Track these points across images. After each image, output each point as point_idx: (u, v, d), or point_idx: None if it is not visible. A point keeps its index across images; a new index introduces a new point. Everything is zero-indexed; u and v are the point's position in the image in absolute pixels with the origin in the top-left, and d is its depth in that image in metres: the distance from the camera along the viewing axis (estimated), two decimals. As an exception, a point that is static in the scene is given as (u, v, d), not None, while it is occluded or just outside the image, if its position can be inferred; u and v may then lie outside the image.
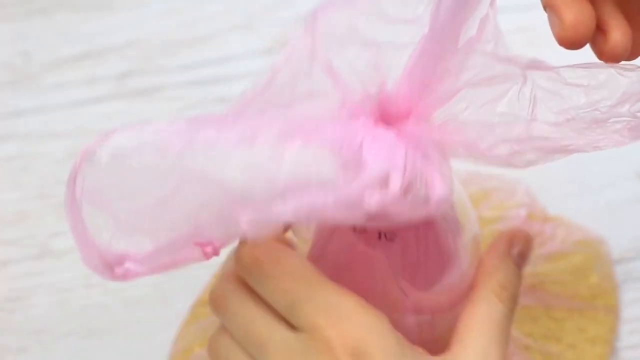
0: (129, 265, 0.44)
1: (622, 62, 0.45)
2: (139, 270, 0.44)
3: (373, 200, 0.42)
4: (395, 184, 0.42)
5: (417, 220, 0.46)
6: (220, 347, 0.50)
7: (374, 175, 0.42)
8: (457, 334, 0.49)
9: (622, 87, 0.44)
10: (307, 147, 0.42)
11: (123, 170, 0.42)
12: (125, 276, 0.44)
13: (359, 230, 0.49)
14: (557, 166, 0.69)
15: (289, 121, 0.44)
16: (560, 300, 0.63)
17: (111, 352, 0.64)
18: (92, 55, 0.78)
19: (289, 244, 0.51)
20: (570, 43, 0.43)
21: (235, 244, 0.50)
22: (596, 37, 0.44)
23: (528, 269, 0.64)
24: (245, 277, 0.49)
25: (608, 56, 0.44)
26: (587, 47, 0.45)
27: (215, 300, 0.50)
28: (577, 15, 0.43)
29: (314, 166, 0.42)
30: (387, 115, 0.46)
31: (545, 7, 0.44)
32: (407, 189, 0.43)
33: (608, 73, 0.44)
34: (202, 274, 0.66)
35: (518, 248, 0.51)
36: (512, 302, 0.50)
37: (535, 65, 0.45)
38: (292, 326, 0.47)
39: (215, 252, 0.45)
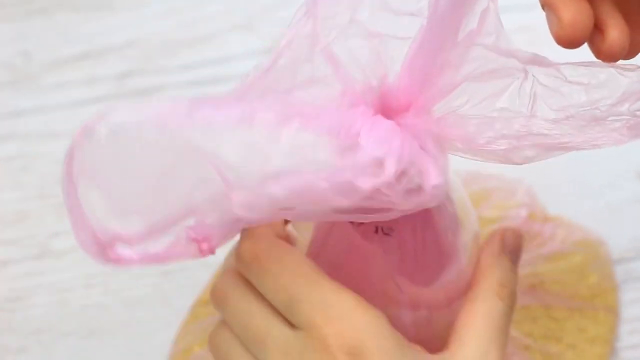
0: (122, 251, 0.44)
1: (622, 62, 0.45)
2: (133, 258, 0.44)
3: (366, 183, 0.42)
4: (390, 169, 0.42)
5: (413, 212, 0.47)
6: (221, 341, 0.50)
7: (368, 159, 0.42)
8: (456, 332, 0.49)
9: (622, 86, 0.44)
10: (304, 130, 0.42)
11: (121, 146, 0.42)
12: (118, 261, 0.44)
13: (356, 224, 0.49)
14: (557, 166, 0.69)
15: (288, 105, 0.44)
16: (560, 300, 0.63)
17: (111, 352, 0.64)
18: (92, 55, 0.78)
19: (290, 239, 0.51)
20: (568, 42, 0.43)
21: (234, 241, 0.50)
22: (594, 36, 0.44)
23: (528, 269, 0.64)
24: (245, 274, 0.49)
25: (605, 55, 0.44)
26: (587, 47, 0.46)
27: (216, 294, 0.50)
28: (574, 14, 0.43)
29: (309, 149, 0.42)
30: (388, 108, 0.46)
31: (543, 6, 0.44)
32: (401, 175, 0.43)
33: (608, 72, 0.44)
34: (202, 274, 0.66)
35: (511, 245, 0.51)
36: (511, 300, 0.50)
37: (537, 60, 0.45)
38: (291, 323, 0.47)
39: (211, 250, 0.45)
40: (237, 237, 0.50)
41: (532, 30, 0.62)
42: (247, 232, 0.49)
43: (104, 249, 0.44)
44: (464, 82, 0.45)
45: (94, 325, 0.65)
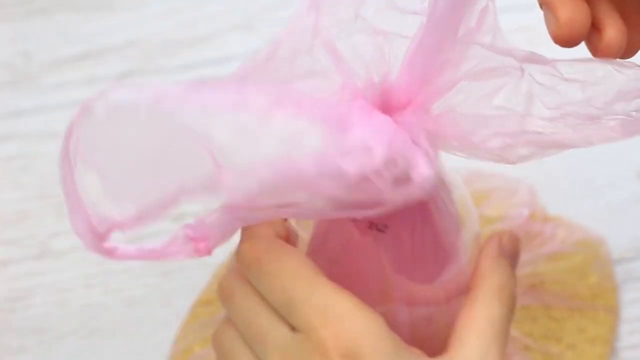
0: (118, 244, 0.44)
1: (620, 60, 0.45)
2: (128, 252, 0.44)
3: (354, 168, 0.42)
4: (378, 154, 0.42)
5: (411, 210, 0.47)
6: (225, 339, 0.50)
7: (357, 144, 0.42)
8: (455, 336, 0.49)
9: (618, 84, 0.44)
10: (297, 117, 0.42)
11: (117, 125, 0.42)
12: (112, 253, 0.44)
13: (352, 220, 0.49)
14: (557, 166, 0.69)
15: (284, 92, 0.44)
16: (560, 300, 0.63)
17: (111, 352, 0.64)
18: (92, 55, 0.78)
19: (291, 238, 0.51)
20: (565, 41, 0.44)
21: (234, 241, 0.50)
22: (591, 35, 0.45)
23: (528, 269, 0.64)
24: (246, 275, 0.49)
25: (602, 54, 0.45)
26: (586, 47, 0.46)
27: (222, 291, 0.50)
28: (572, 13, 0.43)
29: (300, 135, 0.42)
30: (388, 105, 0.46)
31: (541, 5, 0.44)
32: (390, 164, 0.43)
33: (605, 69, 0.44)
34: (202, 274, 0.66)
35: (509, 249, 0.51)
36: (510, 302, 0.50)
37: (533, 58, 0.45)
38: (290, 324, 0.47)
39: (208, 251, 0.45)
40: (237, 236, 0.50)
41: (531, 30, 0.62)
42: (247, 233, 0.49)
43: (99, 238, 0.44)
44: (462, 80, 0.45)
45: (94, 325, 0.65)
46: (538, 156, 0.45)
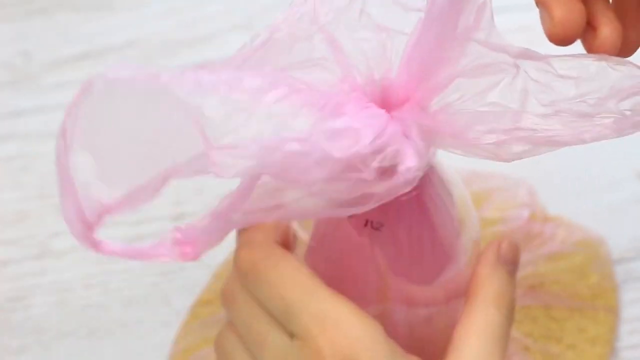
0: (105, 239, 0.44)
1: (614, 56, 0.45)
2: (114, 248, 0.44)
3: (339, 150, 0.42)
4: (365, 140, 0.42)
5: (409, 210, 0.47)
6: (226, 343, 0.50)
7: (345, 127, 0.42)
8: (454, 344, 0.49)
9: (611, 80, 0.44)
10: (289, 97, 0.42)
11: (114, 101, 0.42)
12: (99, 247, 0.44)
13: (347, 218, 0.49)
14: (557, 166, 0.69)
15: (280, 76, 0.44)
16: (560, 300, 0.63)
17: (111, 352, 0.64)
18: (92, 55, 0.78)
19: (290, 238, 0.51)
20: (560, 39, 0.44)
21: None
22: (587, 33, 0.45)
23: (528, 269, 0.64)
24: (243, 282, 0.49)
25: (597, 52, 0.45)
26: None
27: (224, 295, 0.50)
28: (566, 12, 0.43)
29: (290, 116, 0.42)
30: (388, 102, 0.46)
31: (537, 4, 0.45)
32: (377, 152, 0.43)
33: (599, 66, 0.44)
34: (202, 274, 0.66)
35: (507, 256, 0.51)
36: (509, 310, 0.50)
37: (527, 54, 0.45)
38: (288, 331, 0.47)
39: (195, 255, 0.44)
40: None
41: (531, 30, 0.61)
42: (244, 240, 0.49)
43: (87, 227, 0.44)
44: (459, 77, 0.45)
45: (93, 325, 0.65)
46: (531, 153, 0.45)
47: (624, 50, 0.46)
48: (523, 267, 0.64)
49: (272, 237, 0.49)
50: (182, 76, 0.42)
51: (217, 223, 0.44)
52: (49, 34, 0.80)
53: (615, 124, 0.44)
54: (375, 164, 0.43)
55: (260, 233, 0.49)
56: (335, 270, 0.49)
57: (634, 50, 0.46)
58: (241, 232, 0.49)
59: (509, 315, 0.49)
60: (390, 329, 0.49)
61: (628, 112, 0.44)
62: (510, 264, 0.51)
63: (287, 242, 0.50)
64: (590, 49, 0.45)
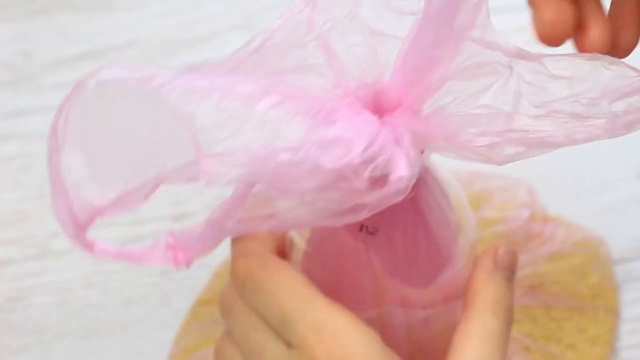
0: (98, 241, 0.44)
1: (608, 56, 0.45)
2: (106, 249, 0.44)
3: (330, 160, 0.42)
4: (356, 150, 0.42)
5: (405, 213, 0.46)
6: (225, 353, 0.50)
7: (335, 137, 0.42)
8: (452, 350, 0.48)
9: (604, 80, 0.44)
10: (281, 106, 0.42)
11: (106, 102, 0.42)
12: (91, 248, 0.44)
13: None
14: (557, 166, 0.69)
15: (273, 83, 0.44)
16: (560, 300, 0.63)
17: (111, 352, 0.64)
18: (92, 55, 0.78)
19: (286, 245, 0.51)
20: (549, 40, 0.45)
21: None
22: (578, 33, 0.46)
23: (528, 269, 0.64)
24: (240, 292, 0.48)
25: (587, 52, 0.45)
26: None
27: (222, 304, 0.50)
28: (556, 13, 0.44)
29: (281, 124, 0.42)
30: (381, 107, 0.46)
31: (528, 4, 0.45)
32: (368, 162, 0.43)
33: (592, 65, 0.45)
34: (202, 274, 0.66)
35: (505, 262, 0.51)
36: (507, 316, 0.49)
37: (521, 54, 0.45)
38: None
39: (187, 262, 0.44)
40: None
41: (527, 30, 0.61)
42: (240, 250, 0.49)
43: (80, 228, 0.44)
44: (452, 78, 0.45)
45: (93, 325, 0.65)
46: (524, 155, 0.45)
47: (618, 52, 0.46)
48: (523, 267, 0.64)
49: (268, 247, 0.49)
50: (175, 80, 0.42)
51: (210, 230, 0.44)
52: (49, 34, 0.80)
53: (608, 124, 0.44)
54: (366, 173, 0.42)
55: (257, 242, 0.48)
56: (332, 275, 0.49)
57: (629, 52, 0.46)
58: (237, 242, 0.49)
59: (507, 321, 0.49)
60: (389, 332, 0.49)
61: (620, 113, 0.44)
62: (508, 269, 0.50)
63: (283, 250, 0.50)
64: (580, 49, 0.46)
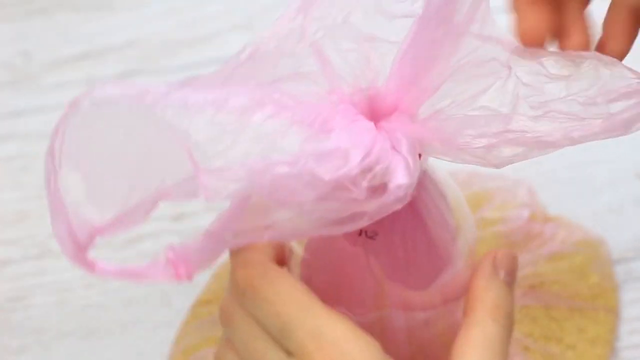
0: (99, 260, 0.44)
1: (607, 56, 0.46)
2: (107, 268, 0.44)
3: (328, 171, 0.41)
4: (354, 159, 0.42)
5: (404, 217, 0.46)
6: None
7: (333, 148, 0.42)
8: (453, 357, 0.48)
9: (603, 79, 0.44)
10: (276, 117, 0.42)
11: (101, 122, 0.42)
12: (91, 268, 0.44)
13: None
14: (557, 166, 0.69)
15: (266, 93, 0.44)
16: (560, 300, 0.63)
17: (111, 352, 0.64)
18: (92, 55, 0.78)
19: (285, 253, 0.50)
20: (529, 44, 0.47)
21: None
22: (561, 38, 0.48)
23: (528, 269, 0.64)
24: (240, 300, 0.48)
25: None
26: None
27: (222, 312, 0.50)
28: (533, 22, 0.47)
29: (277, 136, 0.42)
30: (376, 112, 0.46)
31: (512, 10, 0.48)
32: (366, 170, 0.43)
33: (591, 63, 0.45)
34: (202, 274, 0.66)
35: (504, 267, 0.51)
36: (507, 321, 0.49)
37: (521, 50, 0.45)
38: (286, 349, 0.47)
39: (189, 276, 0.44)
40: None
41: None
42: (240, 259, 0.49)
43: (80, 249, 0.44)
44: (449, 78, 0.45)
45: (93, 325, 0.65)
46: (521, 157, 0.45)
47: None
48: (523, 267, 0.64)
49: (268, 255, 0.49)
50: (168, 96, 0.42)
51: (209, 243, 0.44)
52: (49, 34, 0.80)
53: (605, 124, 0.44)
54: (365, 183, 0.42)
55: (257, 251, 0.49)
56: (331, 281, 0.49)
57: (620, 60, 0.47)
58: (237, 251, 0.49)
59: (508, 327, 0.49)
60: (389, 334, 0.49)
61: (618, 113, 0.44)
62: (507, 274, 0.50)
63: (281, 258, 0.50)
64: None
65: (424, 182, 0.48)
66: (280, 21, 0.46)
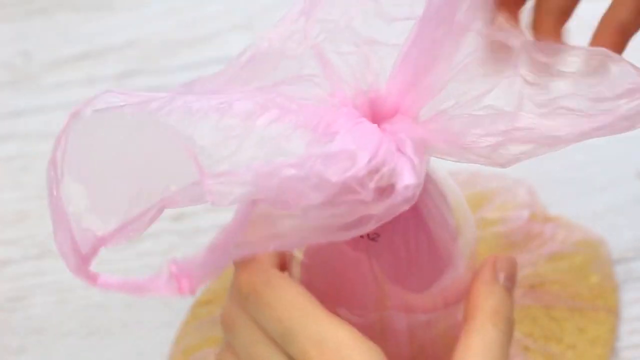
0: (101, 273, 0.43)
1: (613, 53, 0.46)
2: (110, 282, 0.44)
3: (335, 174, 0.41)
4: (361, 161, 0.42)
5: (405, 218, 0.46)
6: None
7: (340, 150, 0.42)
8: None
9: (610, 75, 0.44)
10: (280, 121, 0.42)
11: (104, 129, 0.42)
12: (94, 280, 0.44)
13: None
14: (557, 166, 0.69)
15: (270, 97, 0.44)
16: (560, 300, 0.63)
17: (111, 352, 0.64)
18: (92, 55, 0.78)
19: (286, 258, 0.50)
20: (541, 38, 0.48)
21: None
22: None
23: (528, 269, 0.64)
24: (243, 306, 0.48)
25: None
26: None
27: (224, 318, 0.50)
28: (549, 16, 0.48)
29: (283, 139, 0.42)
30: (378, 114, 0.46)
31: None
32: (373, 172, 0.43)
33: (599, 60, 0.45)
34: (202, 274, 0.66)
35: (504, 272, 0.51)
36: (507, 326, 0.49)
37: (529, 45, 0.45)
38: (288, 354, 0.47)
39: (191, 289, 0.44)
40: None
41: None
42: (243, 265, 0.49)
43: (82, 261, 0.43)
44: (452, 78, 0.45)
45: (94, 325, 0.65)
46: (528, 155, 0.45)
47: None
48: (523, 267, 0.64)
49: (271, 261, 0.49)
50: (171, 103, 0.42)
51: (213, 256, 0.44)
52: (49, 34, 0.80)
53: (610, 120, 0.44)
54: (372, 184, 0.42)
55: (259, 258, 0.49)
56: (332, 282, 0.49)
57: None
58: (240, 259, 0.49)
59: (507, 332, 0.49)
60: (390, 336, 0.49)
61: (623, 109, 0.44)
62: (507, 279, 0.50)
63: (283, 263, 0.50)
64: None
65: (425, 184, 0.48)
66: (283, 23, 0.46)
